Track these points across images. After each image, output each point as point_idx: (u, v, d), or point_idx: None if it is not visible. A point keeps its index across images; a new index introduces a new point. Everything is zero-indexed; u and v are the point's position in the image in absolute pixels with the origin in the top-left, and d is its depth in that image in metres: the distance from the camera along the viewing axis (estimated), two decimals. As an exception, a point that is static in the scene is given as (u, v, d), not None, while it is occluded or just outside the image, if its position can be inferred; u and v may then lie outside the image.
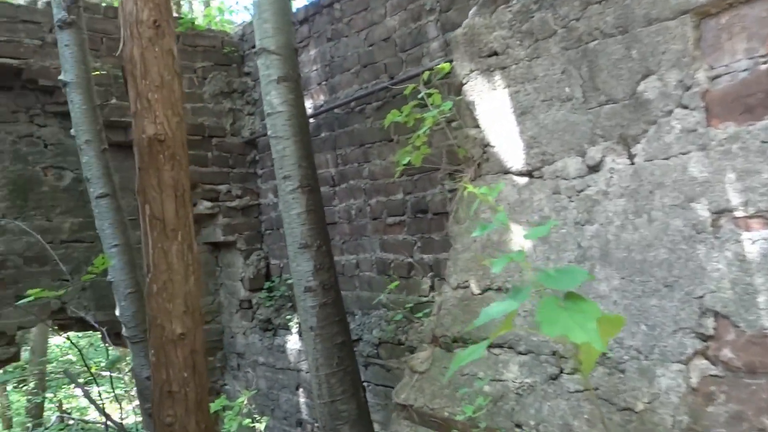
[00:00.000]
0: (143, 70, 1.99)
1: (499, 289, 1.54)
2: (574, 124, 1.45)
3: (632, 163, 1.36)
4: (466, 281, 1.64)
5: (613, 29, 1.38)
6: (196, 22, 5.33)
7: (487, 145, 1.65)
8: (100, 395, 4.97)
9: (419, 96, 2.31)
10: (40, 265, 4.40)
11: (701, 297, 1.18)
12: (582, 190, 1.43)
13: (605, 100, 1.40)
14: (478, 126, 1.68)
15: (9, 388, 10.26)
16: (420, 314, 3.64)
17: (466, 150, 1.71)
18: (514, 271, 1.52)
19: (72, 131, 3.46)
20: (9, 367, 6.18)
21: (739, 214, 1.18)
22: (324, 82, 4.63)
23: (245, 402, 4.13)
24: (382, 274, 4.11)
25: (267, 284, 4.95)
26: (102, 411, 3.79)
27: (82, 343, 9.20)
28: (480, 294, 1.58)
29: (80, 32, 3.47)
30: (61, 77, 3.51)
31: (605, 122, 1.40)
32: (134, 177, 4.91)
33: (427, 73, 2.48)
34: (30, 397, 9.61)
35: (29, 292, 3.26)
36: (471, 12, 1.70)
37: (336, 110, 4.46)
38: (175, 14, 5.00)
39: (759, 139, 1.16)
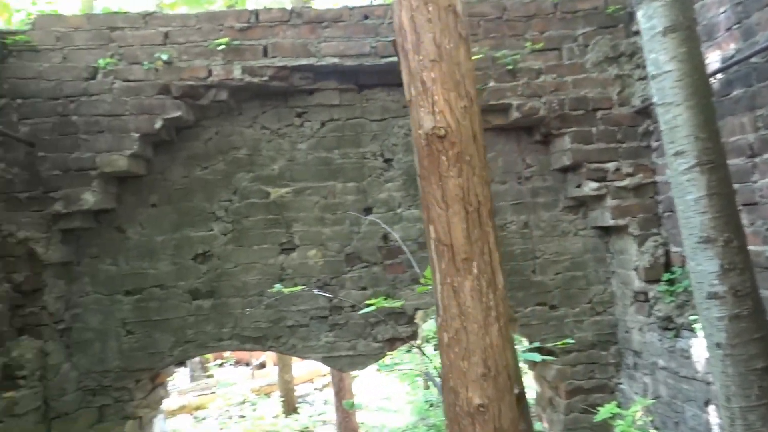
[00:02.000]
0: (415, 41, 1.52)
1: None
2: None
3: None
4: None
5: None
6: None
7: None
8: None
9: None
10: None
11: None
12: None
13: None
14: None
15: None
16: None
17: None
18: None
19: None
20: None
21: None
22: (736, 26, 3.65)
23: (640, 412, 3.58)
24: (829, 270, 3.03)
25: (666, 275, 4.23)
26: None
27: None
28: None
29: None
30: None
31: None
32: (517, 160, 4.80)
33: None
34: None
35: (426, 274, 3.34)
36: None
37: (753, 59, 3.46)
38: (552, -20, 4.63)
39: None
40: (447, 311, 1.55)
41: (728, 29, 3.73)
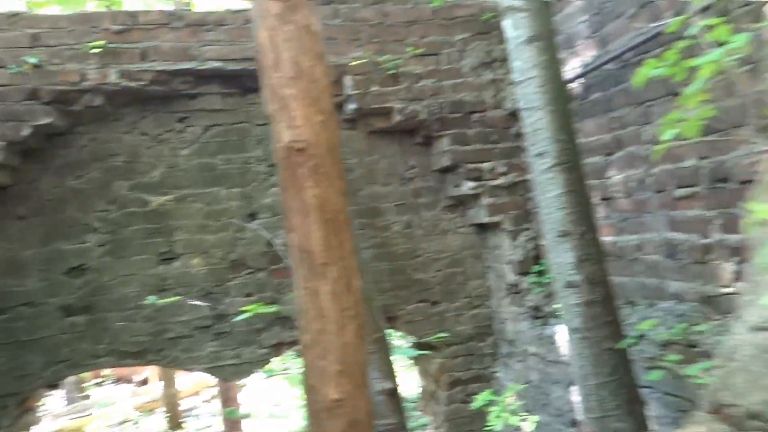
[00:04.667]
0: (274, 59, 1.58)
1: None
2: None
3: None
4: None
5: None
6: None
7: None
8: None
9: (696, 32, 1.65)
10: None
11: None
12: None
13: None
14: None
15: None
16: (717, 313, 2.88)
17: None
18: None
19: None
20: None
21: None
22: (594, 35, 3.98)
23: (513, 397, 3.81)
24: (671, 257, 3.39)
25: (536, 268, 4.52)
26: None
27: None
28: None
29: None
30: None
31: None
32: (399, 162, 4.94)
33: None
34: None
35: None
36: None
37: (608, 65, 3.79)
38: (430, -12, 4.81)
39: None
40: (307, 314, 1.63)
41: (587, 38, 4.05)
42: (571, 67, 4.12)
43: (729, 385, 1.04)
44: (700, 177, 3.15)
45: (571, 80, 4.19)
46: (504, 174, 4.71)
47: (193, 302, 4.33)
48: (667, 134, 1.62)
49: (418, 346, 4.60)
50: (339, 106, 4.75)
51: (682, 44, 1.56)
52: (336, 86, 4.67)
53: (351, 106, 4.68)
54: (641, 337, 3.24)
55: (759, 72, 1.08)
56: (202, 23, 4.46)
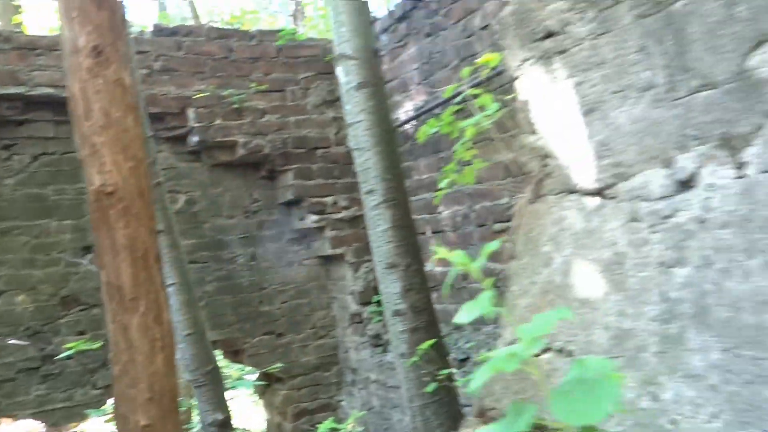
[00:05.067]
0: (85, 109, 1.66)
1: (561, 351, 1.16)
2: (657, 122, 1.04)
3: (741, 176, 0.92)
4: (521, 337, 1.27)
5: (703, -18, 0.95)
6: (297, 33, 5.25)
7: (548, 155, 1.26)
8: None
9: (471, 96, 1.95)
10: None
11: None
12: (669, 217, 1.02)
13: (700, 86, 0.98)
14: (535, 132, 1.30)
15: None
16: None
17: (525, 162, 1.34)
18: (580, 328, 1.13)
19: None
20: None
21: None
22: (423, 81, 4.33)
23: (354, 425, 3.94)
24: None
25: (375, 298, 4.73)
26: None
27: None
28: (538, 356, 1.20)
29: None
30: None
31: (700, 117, 0.98)
32: (244, 195, 4.97)
33: (467, 70, 2.10)
34: None
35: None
36: (520, -16, 1.33)
37: (436, 110, 4.14)
38: (274, 28, 4.96)
39: None
40: (117, 346, 1.67)
41: (419, 84, 4.40)
42: (405, 110, 4.44)
43: (491, 392, 1.23)
44: (512, 213, 3.53)
45: (406, 122, 4.51)
46: (346, 208, 4.90)
47: (13, 342, 4.02)
48: (444, 182, 1.87)
49: (263, 378, 4.60)
50: (182, 139, 4.71)
51: (453, 108, 1.82)
52: (179, 118, 4.64)
53: (194, 139, 4.66)
54: (466, 359, 3.53)
55: (515, 137, 1.33)
56: (32, 47, 4.25)
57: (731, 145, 0.94)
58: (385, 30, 4.79)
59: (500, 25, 1.40)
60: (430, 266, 4.40)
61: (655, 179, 1.05)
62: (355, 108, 2.98)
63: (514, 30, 1.34)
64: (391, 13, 4.81)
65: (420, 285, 2.91)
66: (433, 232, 4.24)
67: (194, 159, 4.78)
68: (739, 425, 0.86)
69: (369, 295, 4.76)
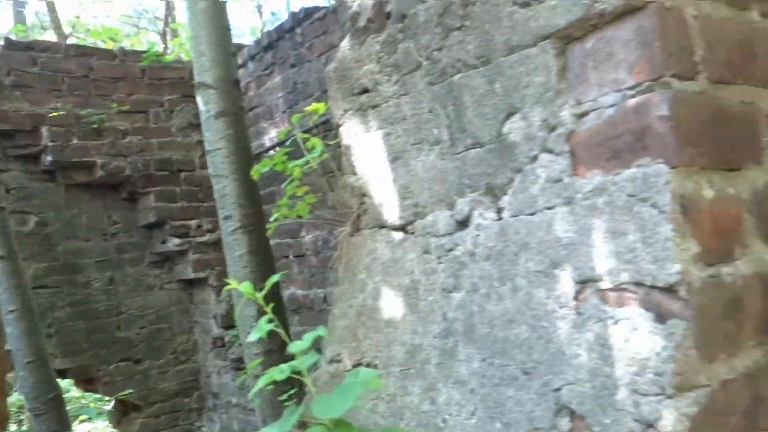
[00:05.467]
0: None
1: (368, 365, 1.34)
2: (443, 171, 1.25)
3: (499, 219, 1.15)
4: (339, 354, 1.44)
5: (475, 60, 1.18)
6: (162, 55, 5.21)
7: (365, 194, 1.45)
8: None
9: (303, 139, 2.15)
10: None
11: (558, 390, 0.96)
12: (450, 250, 1.23)
13: (472, 144, 1.20)
14: (355, 173, 1.49)
15: None
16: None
17: (345, 200, 1.52)
18: (383, 345, 1.31)
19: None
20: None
21: (604, 285, 0.96)
22: (288, 110, 4.48)
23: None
24: (351, 308, 3.91)
25: (239, 321, 4.76)
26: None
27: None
28: (351, 370, 1.37)
29: None
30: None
31: (472, 170, 1.20)
32: (102, 217, 4.82)
33: (296, 116, 2.30)
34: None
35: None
36: (342, 44, 1.52)
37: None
38: (139, 48, 4.91)
39: (625, 192, 0.95)
40: None
41: (283, 111, 4.54)
42: (270, 136, 4.56)
43: (311, 405, 1.39)
44: (369, 238, 3.74)
45: (271, 148, 4.62)
46: (210, 231, 4.90)
47: None
48: (275, 215, 2.03)
49: (119, 405, 4.46)
50: (35, 157, 4.51)
51: (285, 149, 1.99)
52: (32, 136, 4.45)
53: (48, 158, 4.48)
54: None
55: (337, 176, 1.51)
56: None
57: (493, 194, 1.16)
58: (252, 57, 4.89)
59: (327, 79, 1.58)
60: (292, 289, 4.52)
61: (442, 219, 1.26)
62: (214, 136, 3.05)
63: (336, 84, 1.52)
64: (258, 41, 4.93)
65: (276, 309, 3.01)
66: (295, 256, 4.37)
67: (48, 179, 4.58)
68: (488, 419, 1.06)
69: (232, 318, 4.77)
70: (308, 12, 4.33)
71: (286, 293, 4.39)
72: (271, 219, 2.04)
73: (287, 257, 4.46)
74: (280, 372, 1.06)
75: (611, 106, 0.99)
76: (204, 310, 4.96)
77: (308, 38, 4.32)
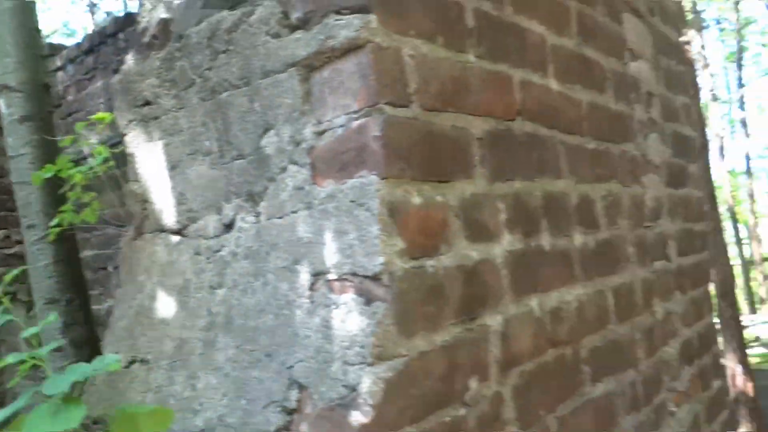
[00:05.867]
0: None
1: (142, 361, 1.42)
2: (213, 179, 1.38)
3: (257, 222, 1.29)
4: (117, 353, 1.50)
5: (238, 80, 1.32)
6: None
7: (147, 200, 1.53)
8: None
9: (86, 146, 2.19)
10: None
11: (291, 367, 1.12)
12: (218, 251, 1.35)
13: (237, 155, 1.34)
14: (138, 180, 1.57)
15: None
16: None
17: (130, 205, 1.59)
18: (156, 341, 1.41)
19: None
20: None
21: (331, 276, 1.14)
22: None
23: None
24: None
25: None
26: None
27: None
28: (126, 367, 1.45)
29: None
30: None
31: (237, 178, 1.33)
32: None
33: (81, 124, 2.34)
34: None
35: None
36: (127, 57, 1.59)
37: (120, 145, 4.19)
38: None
39: (348, 198, 1.13)
40: None
41: (105, 120, 4.40)
42: (90, 142, 4.39)
43: (91, 402, 1.44)
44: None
45: (91, 155, 4.45)
46: (19, 243, 4.60)
47: None
48: (55, 220, 2.05)
49: None
50: None
51: (69, 156, 2.03)
52: None
53: None
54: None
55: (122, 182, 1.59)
56: None
57: (253, 200, 1.31)
58: (71, 60, 4.69)
59: (112, 90, 1.65)
60: (111, 302, 4.37)
61: (212, 222, 1.38)
62: (18, 141, 2.92)
63: (121, 95, 1.60)
64: (78, 44, 4.74)
65: (83, 319, 2.94)
66: (115, 268, 4.24)
67: None
68: (236, 398, 1.20)
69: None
70: (131, 17, 4.25)
71: (104, 305, 4.24)
72: (51, 224, 2.03)
73: (105, 269, 4.31)
74: (15, 357, 1.12)
75: (341, 126, 1.18)
76: (11, 327, 4.62)
77: (131, 44, 4.24)
